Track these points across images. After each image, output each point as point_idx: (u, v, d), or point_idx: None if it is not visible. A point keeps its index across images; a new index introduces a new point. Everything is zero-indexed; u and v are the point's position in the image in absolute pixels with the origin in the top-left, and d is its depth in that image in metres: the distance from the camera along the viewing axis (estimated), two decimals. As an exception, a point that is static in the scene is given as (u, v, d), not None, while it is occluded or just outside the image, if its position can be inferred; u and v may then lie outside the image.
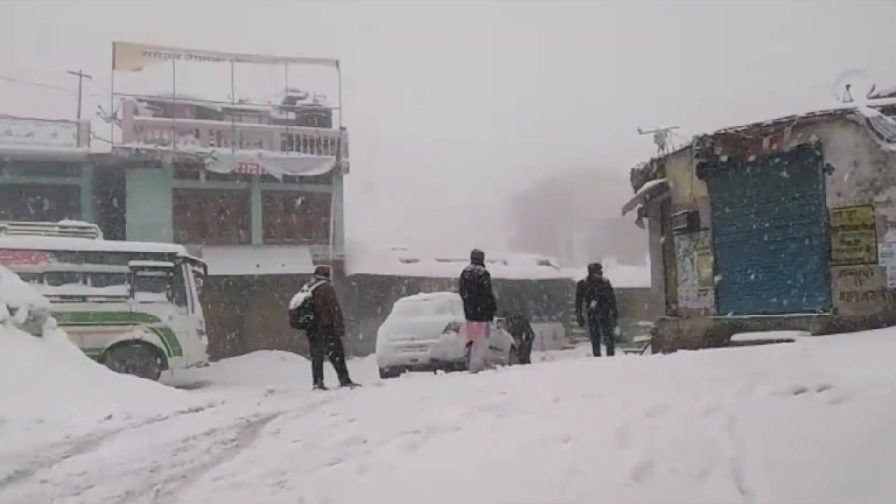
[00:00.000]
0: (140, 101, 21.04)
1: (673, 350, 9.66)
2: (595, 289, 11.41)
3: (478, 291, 9.54)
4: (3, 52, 32.19)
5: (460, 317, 12.18)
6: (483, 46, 66.15)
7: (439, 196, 41.95)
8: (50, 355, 8.15)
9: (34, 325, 8.58)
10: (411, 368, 11.68)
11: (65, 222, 14.72)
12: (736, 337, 9.80)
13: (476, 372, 9.02)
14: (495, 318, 14.08)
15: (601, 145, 34.84)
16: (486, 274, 9.74)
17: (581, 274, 13.54)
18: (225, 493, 3.91)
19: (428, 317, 12.34)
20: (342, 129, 22.41)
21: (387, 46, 67.07)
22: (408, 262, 24.40)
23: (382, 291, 22.16)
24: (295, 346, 18.70)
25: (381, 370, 12.27)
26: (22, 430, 6.37)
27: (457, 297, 13.45)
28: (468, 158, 48.50)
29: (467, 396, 5.54)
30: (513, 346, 14.63)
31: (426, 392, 6.13)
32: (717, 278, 11.01)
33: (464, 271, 9.80)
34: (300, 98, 23.18)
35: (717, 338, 10.15)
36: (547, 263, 27.83)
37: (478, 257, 9.90)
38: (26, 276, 10.48)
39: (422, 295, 14.07)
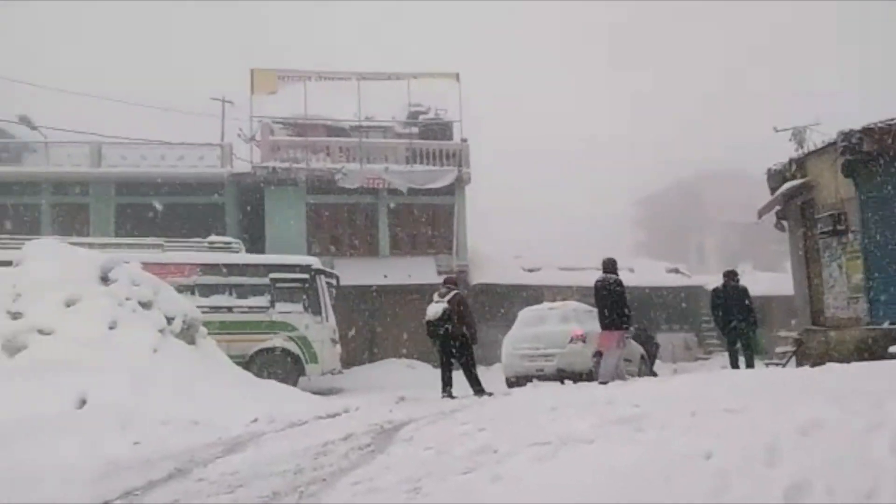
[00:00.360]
0: (275, 122, 22.41)
1: (820, 363, 8.98)
2: (731, 297, 10.84)
3: (611, 300, 9.39)
4: (154, 84, 35.38)
5: (587, 326, 11.99)
6: (602, 48, 64.98)
7: (561, 203, 41.51)
8: (202, 362, 8.82)
9: (188, 333, 9.32)
10: (538, 378, 11.59)
11: (212, 238, 15.91)
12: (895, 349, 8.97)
13: (605, 383, 8.83)
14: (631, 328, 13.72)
15: (732, 144, 33.16)
16: (619, 282, 9.57)
17: (714, 281, 12.92)
18: (364, 497, 4.06)
19: (553, 326, 12.21)
20: (463, 140, 22.74)
21: (501, 51, 67.31)
22: (530, 270, 24.28)
23: (505, 300, 22.16)
24: (422, 355, 19.12)
25: (508, 380, 12.27)
26: (180, 430, 6.92)
27: (582, 306, 13.27)
28: (590, 163, 47.63)
29: (598, 408, 5.43)
30: (642, 357, 14.17)
31: (555, 402, 6.06)
32: (869, 284, 10.15)
33: (596, 281, 9.73)
34: (422, 112, 23.76)
35: (873, 350, 9.33)
36: (676, 271, 26.72)
37: (609, 266, 9.78)
38: (180, 289, 11.39)
39: (546, 304, 13.94)
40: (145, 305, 9.00)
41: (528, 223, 36.57)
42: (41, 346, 7.93)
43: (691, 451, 3.66)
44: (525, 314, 13.12)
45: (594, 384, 9.13)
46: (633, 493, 3.22)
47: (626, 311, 9.46)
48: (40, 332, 8.11)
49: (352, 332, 19.52)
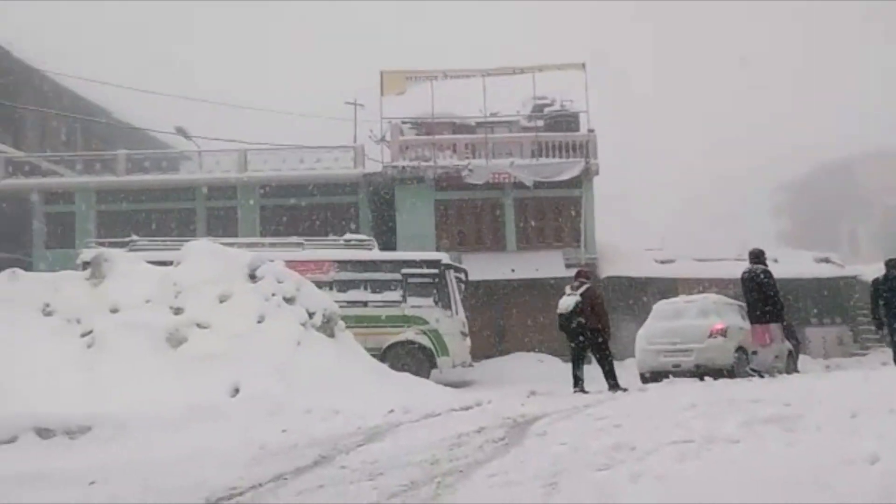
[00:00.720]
0: (404, 122, 23.02)
1: None
2: (894, 287, 9.90)
3: (760, 292, 8.91)
4: (287, 89, 37.37)
5: (728, 320, 11.40)
6: (730, 32, 61.22)
7: (695, 193, 39.60)
8: (342, 354, 9.25)
9: (328, 327, 9.80)
10: (674, 374, 11.16)
11: (348, 236, 16.64)
12: None
13: (757, 377, 8.38)
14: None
15: (889, 121, 30.15)
16: (767, 272, 9.06)
17: (871, 271, 11.85)
18: (500, 490, 4.08)
19: (691, 320, 11.70)
20: (590, 131, 22.26)
21: (627, 44, 65.10)
22: (663, 262, 23.38)
23: (637, 294, 21.50)
24: (551, 349, 18.95)
25: (642, 375, 11.90)
26: (322, 419, 7.30)
27: (723, 298, 12.62)
28: (724, 151, 45.07)
29: (743, 406, 5.14)
30: (790, 353, 13.27)
31: (695, 399, 5.80)
32: None
33: (743, 273, 9.28)
34: (547, 105, 23.50)
35: None
36: (827, 260, 24.70)
37: (756, 256, 9.31)
38: (319, 285, 11.98)
39: (683, 297, 13.39)
40: (289, 301, 9.55)
41: (660, 214, 35.25)
42: (199, 338, 8.64)
43: (853, 455, 3.38)
44: (660, 307, 12.66)
45: (736, 381, 8.66)
46: (786, 498, 3.01)
47: (778, 302, 8.93)
48: (198, 325, 8.84)
49: (481, 326, 19.70)
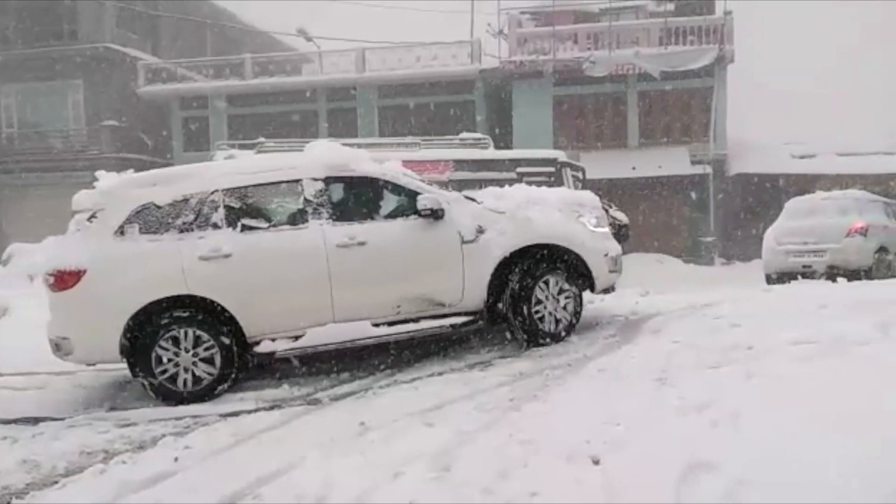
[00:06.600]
0: (523, 13, 22.10)
1: None
2: None
3: None
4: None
5: (870, 217, 10.55)
6: None
7: (844, 76, 35.71)
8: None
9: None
10: (804, 276, 10.56)
11: (464, 135, 16.52)
12: None
13: None
14: None
15: None
16: None
17: None
18: (608, 383, 4.12)
19: (827, 218, 10.87)
20: (727, 13, 20.43)
21: None
22: (802, 157, 21.65)
23: (770, 191, 20.18)
24: (672, 249, 18.41)
25: (768, 276, 11.33)
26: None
27: (867, 195, 11.60)
28: (875, 36, 39.77)
29: (879, 307, 4.80)
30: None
31: (826, 300, 5.47)
32: None
33: None
34: (680, -15, 21.71)
35: None
36: None
37: None
38: (435, 184, 12.11)
39: (820, 193, 12.41)
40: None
41: (802, 107, 32.21)
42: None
43: None
44: (793, 205, 11.82)
45: (875, 283, 8.07)
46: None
47: None
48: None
49: (599, 226, 19.31)
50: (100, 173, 5.39)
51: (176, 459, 3.67)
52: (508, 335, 5.74)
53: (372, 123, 22.86)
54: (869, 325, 4.19)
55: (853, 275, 9.72)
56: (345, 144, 11.75)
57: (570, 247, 5.65)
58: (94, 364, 5.36)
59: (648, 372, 4.14)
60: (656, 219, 19.53)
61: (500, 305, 5.58)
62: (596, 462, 2.99)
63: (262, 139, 16.68)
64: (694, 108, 20.99)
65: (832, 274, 10.14)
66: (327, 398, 4.67)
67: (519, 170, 14.67)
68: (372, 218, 5.39)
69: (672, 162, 20.01)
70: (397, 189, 5.48)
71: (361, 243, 5.18)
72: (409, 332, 5.40)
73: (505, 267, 5.50)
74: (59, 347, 4.99)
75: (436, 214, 5.30)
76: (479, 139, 16.07)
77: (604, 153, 20.67)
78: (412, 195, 5.39)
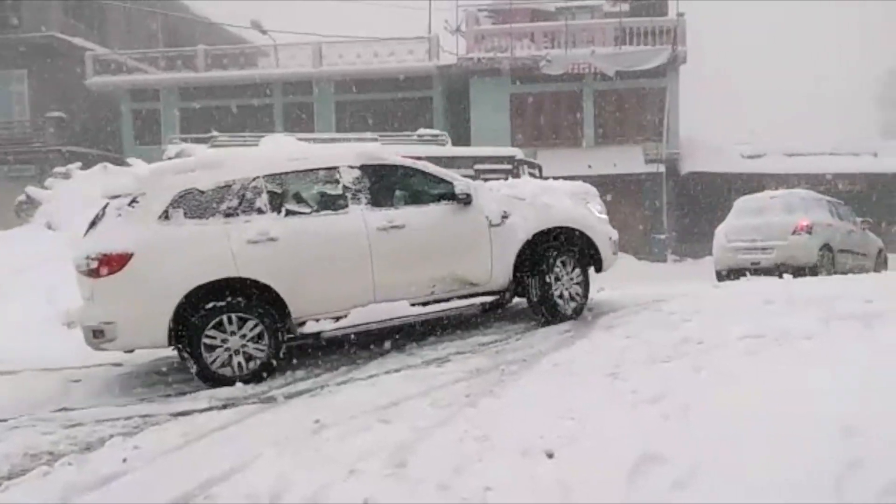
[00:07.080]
0: (480, 10, 22.16)
1: None
2: None
3: None
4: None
5: (814, 216, 10.89)
6: None
7: (790, 84, 36.82)
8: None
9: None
10: (753, 272, 10.85)
11: (421, 131, 16.52)
12: None
13: None
14: (859, 219, 12.24)
15: None
16: None
17: None
18: (562, 379, 4.18)
19: (774, 216, 11.19)
20: (679, 15, 20.85)
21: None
22: (751, 157, 22.26)
23: (720, 190, 20.70)
24: (629, 247, 18.65)
25: (718, 273, 11.62)
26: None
27: (811, 193, 11.98)
28: (819, 38, 41.14)
29: (822, 303, 4.97)
30: (880, 251, 12.64)
31: (772, 296, 5.63)
32: None
33: None
34: (634, -13, 22.07)
35: None
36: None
37: None
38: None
39: (768, 193, 12.77)
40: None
41: (752, 107, 33.13)
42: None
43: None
44: (742, 203, 12.14)
45: (819, 279, 8.34)
46: (865, 395, 2.90)
47: None
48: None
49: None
50: (132, 160, 5.33)
51: (124, 460, 3.58)
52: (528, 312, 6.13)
53: (329, 118, 22.65)
54: (813, 319, 4.33)
55: (799, 271, 10.02)
56: (301, 139, 11.71)
57: (584, 230, 6.16)
58: (132, 351, 5.39)
59: (602, 366, 4.22)
60: (611, 216, 19.71)
61: (524, 283, 5.94)
62: (550, 456, 3.02)
63: (215, 133, 16.39)
64: (648, 108, 21.37)
65: (779, 271, 10.45)
66: (282, 396, 4.60)
67: (477, 167, 14.70)
68: (405, 203, 5.68)
69: (627, 160, 20.35)
70: (426, 177, 5.79)
71: (399, 227, 5.44)
72: (442, 311, 5.71)
73: (527, 248, 5.90)
74: (100, 334, 4.86)
75: (468, 200, 5.67)
76: (437, 135, 16.08)
77: (560, 151, 20.89)
78: (441, 182, 5.76)
